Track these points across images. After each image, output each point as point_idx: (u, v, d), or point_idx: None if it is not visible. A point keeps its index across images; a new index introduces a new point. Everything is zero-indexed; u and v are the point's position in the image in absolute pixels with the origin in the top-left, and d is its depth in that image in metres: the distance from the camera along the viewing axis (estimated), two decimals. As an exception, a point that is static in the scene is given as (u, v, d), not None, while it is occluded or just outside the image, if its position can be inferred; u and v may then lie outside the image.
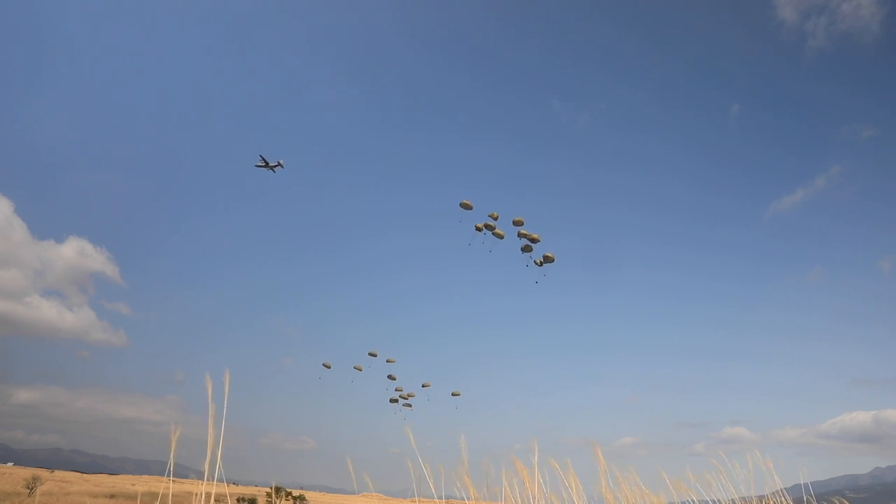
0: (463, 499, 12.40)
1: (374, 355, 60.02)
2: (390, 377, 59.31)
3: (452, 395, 61.64)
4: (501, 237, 53.01)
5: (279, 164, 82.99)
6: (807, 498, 15.48)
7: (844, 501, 17.11)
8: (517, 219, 53.15)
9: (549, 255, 53.37)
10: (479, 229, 53.10)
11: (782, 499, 15.59)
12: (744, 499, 14.99)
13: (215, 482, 7.22)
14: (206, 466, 7.15)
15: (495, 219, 53.04)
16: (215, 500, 8.80)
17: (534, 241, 52.66)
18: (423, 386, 59.59)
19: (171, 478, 7.46)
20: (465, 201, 53.47)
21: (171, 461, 7.33)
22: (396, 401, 58.77)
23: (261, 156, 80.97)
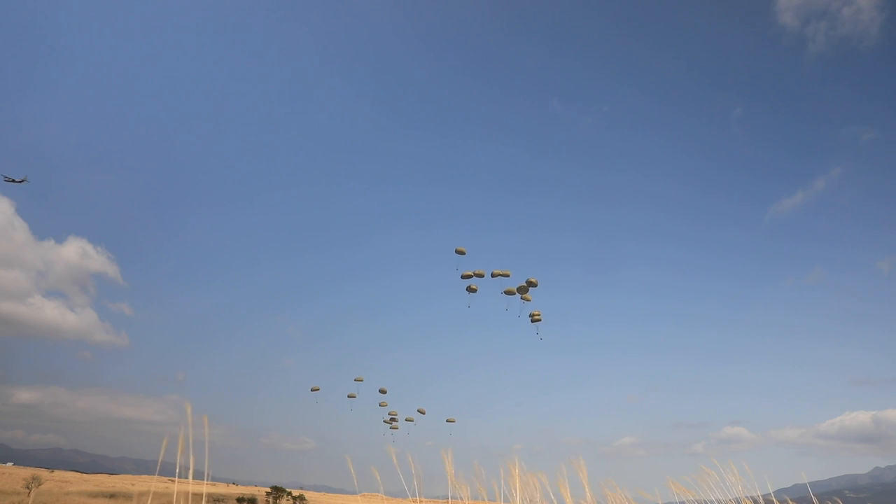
0: (464, 499, 12.30)
1: (361, 380, 60.98)
2: (382, 404, 59.66)
3: (447, 421, 61.99)
4: (506, 275, 52.95)
5: (24, 180, 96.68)
6: (815, 496, 15.42)
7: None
8: (504, 271, 53.28)
9: (535, 312, 53.49)
10: (472, 290, 53.23)
11: (782, 499, 15.53)
12: (746, 498, 14.91)
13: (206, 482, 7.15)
14: (201, 465, 7.08)
15: (481, 276, 53.29)
16: (215, 501, 8.72)
17: (531, 284, 52.69)
18: (418, 411, 59.83)
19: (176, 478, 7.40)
20: (459, 248, 53.92)
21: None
22: (392, 421, 59.20)
23: (2, 175, 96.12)
